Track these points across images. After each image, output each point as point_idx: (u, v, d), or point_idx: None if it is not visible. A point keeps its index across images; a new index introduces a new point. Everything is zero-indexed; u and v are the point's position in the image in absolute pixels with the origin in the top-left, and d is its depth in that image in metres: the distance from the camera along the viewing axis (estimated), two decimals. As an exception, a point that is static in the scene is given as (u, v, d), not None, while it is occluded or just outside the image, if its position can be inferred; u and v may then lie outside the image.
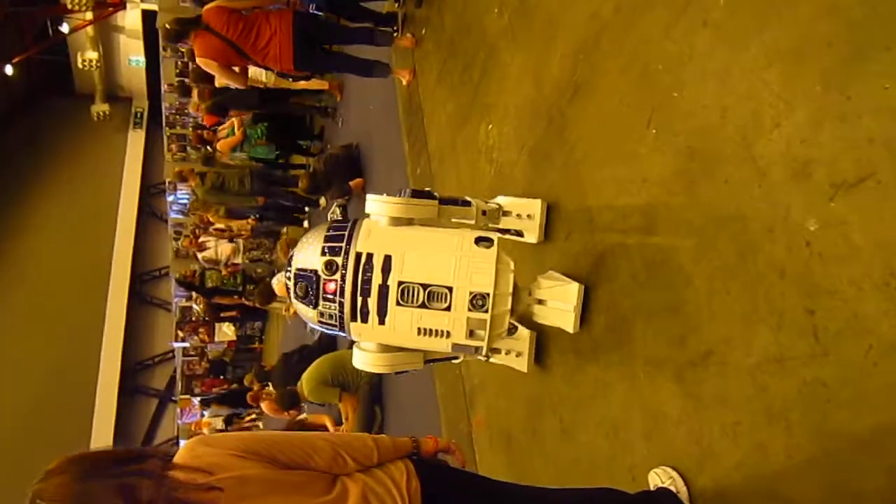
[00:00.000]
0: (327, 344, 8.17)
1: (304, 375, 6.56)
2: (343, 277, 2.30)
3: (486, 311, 2.32)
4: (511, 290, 2.41)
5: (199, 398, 15.12)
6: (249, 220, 11.74)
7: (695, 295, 2.25)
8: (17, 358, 19.18)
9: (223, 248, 12.67)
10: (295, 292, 2.39)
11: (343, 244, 2.32)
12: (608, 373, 2.69)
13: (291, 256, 2.47)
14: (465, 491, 1.83)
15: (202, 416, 14.25)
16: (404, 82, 5.90)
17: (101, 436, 20.48)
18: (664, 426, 2.36)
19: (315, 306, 2.37)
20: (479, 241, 2.39)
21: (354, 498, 1.58)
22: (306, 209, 10.76)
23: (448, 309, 2.31)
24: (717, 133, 2.19)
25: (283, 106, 9.65)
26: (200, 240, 13.04)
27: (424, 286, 2.30)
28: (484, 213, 2.87)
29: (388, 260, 2.31)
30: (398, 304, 2.30)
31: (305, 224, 10.80)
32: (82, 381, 20.68)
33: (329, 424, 7.09)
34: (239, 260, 12.83)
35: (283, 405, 6.82)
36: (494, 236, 2.41)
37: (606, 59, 2.88)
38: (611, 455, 2.64)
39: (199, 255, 12.80)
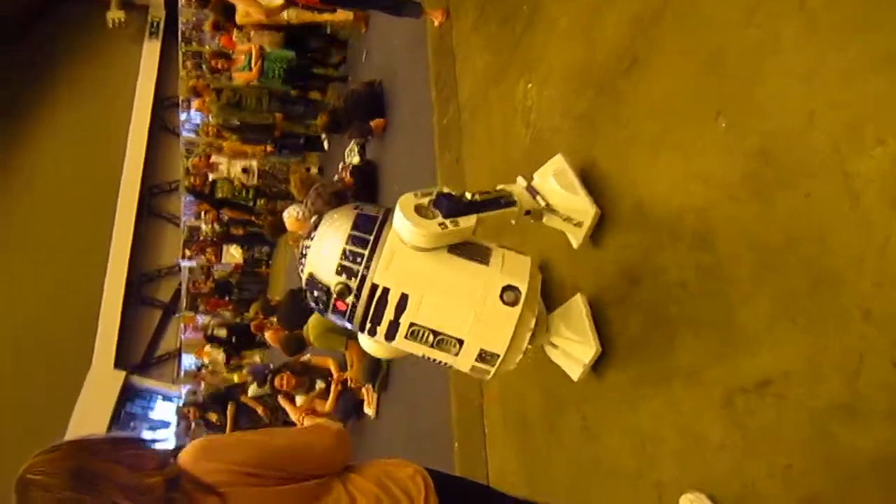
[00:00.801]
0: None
1: (311, 320, 6.42)
2: (354, 305, 2.21)
3: (493, 366, 2.29)
4: (525, 346, 2.32)
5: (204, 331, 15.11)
6: (266, 147, 11.42)
7: (753, 316, 2.03)
8: (24, 264, 19.24)
9: (235, 170, 12.44)
10: (305, 293, 2.32)
11: (361, 266, 2.19)
12: (642, 380, 2.50)
13: (307, 245, 2.31)
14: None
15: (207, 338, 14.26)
16: (436, 23, 5.53)
17: (106, 343, 20.82)
18: (702, 450, 2.17)
19: (324, 314, 2.32)
20: (505, 291, 2.23)
21: None
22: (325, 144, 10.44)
23: (456, 354, 2.27)
24: (800, 139, 1.93)
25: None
26: (212, 160, 12.79)
27: (435, 333, 2.24)
28: (528, 212, 2.62)
29: (404, 299, 2.19)
30: (406, 338, 2.26)
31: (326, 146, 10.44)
32: (88, 288, 20.82)
33: (333, 368, 7.01)
34: (252, 181, 12.61)
35: (289, 350, 6.72)
36: (524, 287, 2.24)
37: (669, 35, 2.58)
38: (636, 467, 2.47)
39: (210, 175, 12.59)
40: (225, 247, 15.94)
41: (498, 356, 2.28)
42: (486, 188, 2.53)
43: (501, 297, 2.24)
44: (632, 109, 2.75)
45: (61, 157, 20.62)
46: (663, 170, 2.50)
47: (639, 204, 2.59)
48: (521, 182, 2.64)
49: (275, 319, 8.58)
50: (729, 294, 2.12)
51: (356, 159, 7.34)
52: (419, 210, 2.28)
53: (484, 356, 2.29)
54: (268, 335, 8.54)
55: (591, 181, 2.75)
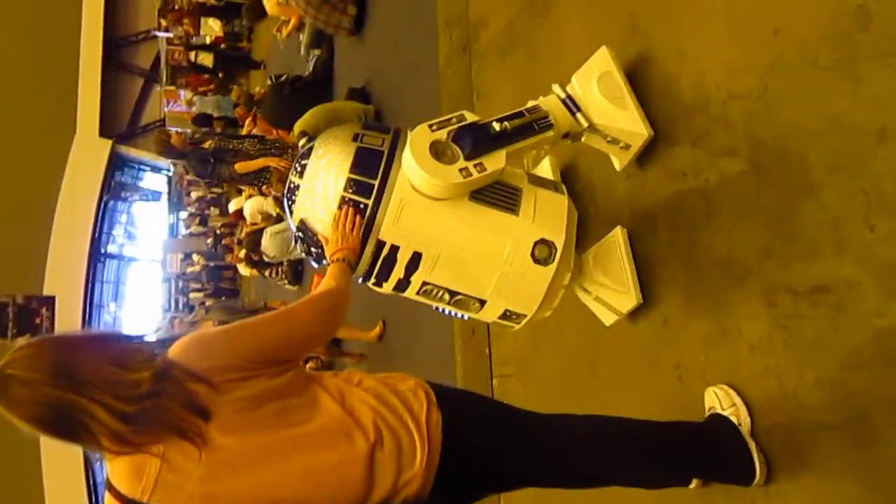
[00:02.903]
0: (323, 78, 7.43)
1: (298, 123, 5.98)
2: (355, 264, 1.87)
3: (520, 323, 2.03)
4: (558, 302, 2.02)
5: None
6: None
7: (817, 212, 1.63)
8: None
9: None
10: (296, 239, 1.98)
11: (364, 219, 1.84)
12: (668, 244, 2.16)
13: (294, 182, 1.93)
14: (488, 423, 1.60)
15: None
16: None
17: (88, 109, 20.34)
18: (734, 342, 1.88)
19: (319, 266, 1.97)
20: (538, 245, 1.87)
21: (362, 430, 1.38)
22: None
23: (477, 312, 2.01)
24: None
25: None
26: None
27: (452, 293, 1.95)
28: (566, 135, 2.14)
29: (416, 258, 1.88)
30: (417, 295, 1.99)
31: None
32: (64, 50, 19.83)
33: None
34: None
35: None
36: (560, 240, 1.88)
37: None
38: (656, 341, 2.20)
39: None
40: (203, 19, 14.77)
41: (525, 316, 2.00)
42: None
43: (533, 253, 1.90)
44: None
45: None
46: (719, 20, 1.97)
47: (694, 89, 2.06)
48: (557, 92, 2.14)
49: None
50: (791, 180, 1.71)
51: None
52: (436, 149, 1.85)
53: (510, 315, 2.00)
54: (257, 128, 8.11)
55: (643, 85, 2.23)
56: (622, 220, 2.29)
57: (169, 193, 23.57)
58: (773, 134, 1.73)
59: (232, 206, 9.98)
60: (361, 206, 1.82)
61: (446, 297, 1.97)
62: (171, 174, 22.72)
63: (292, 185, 1.93)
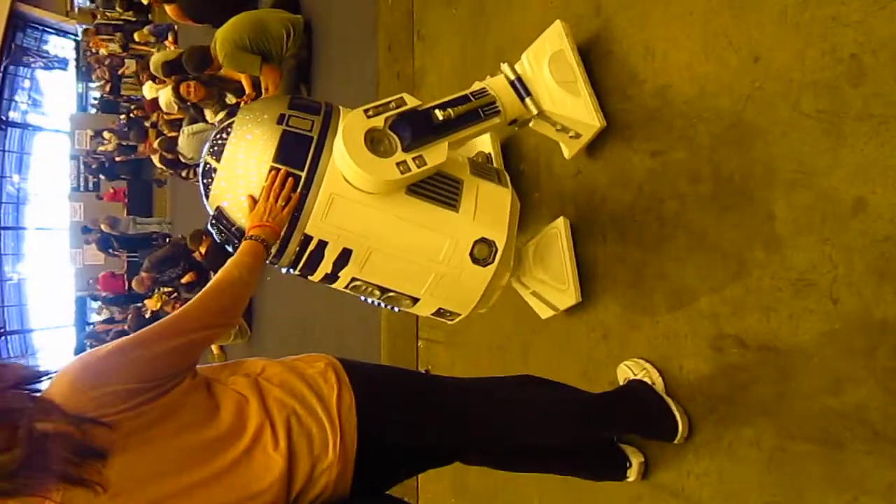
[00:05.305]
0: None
1: (218, 34, 5.48)
2: (280, 252, 1.73)
3: (454, 320, 1.95)
4: (494, 300, 1.93)
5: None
6: None
7: (778, 267, 1.53)
8: None
9: None
10: (211, 225, 1.77)
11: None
12: (616, 257, 2.07)
13: (210, 164, 1.73)
14: (403, 397, 1.54)
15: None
16: None
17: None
18: (674, 374, 1.86)
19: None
20: (477, 244, 1.75)
21: (272, 431, 1.30)
22: None
23: (409, 308, 1.91)
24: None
25: None
26: None
27: (383, 290, 1.84)
28: (513, 121, 1.96)
29: (345, 254, 1.74)
30: (345, 289, 1.87)
31: None
32: None
33: (246, 84, 6.24)
34: None
35: (192, 65, 5.81)
36: (501, 238, 1.76)
37: None
38: (590, 348, 2.15)
39: None
40: None
41: (460, 315, 1.91)
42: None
43: (472, 252, 1.78)
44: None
45: None
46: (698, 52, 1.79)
47: (660, 98, 1.90)
48: (506, 72, 1.95)
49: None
50: (753, 229, 1.62)
51: None
52: (371, 137, 1.67)
53: (444, 312, 1.91)
54: (169, 9, 7.46)
55: (601, 76, 2.05)
56: (567, 214, 2.17)
57: (77, 61, 21.84)
58: (741, 171, 1.61)
59: (147, 93, 9.27)
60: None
61: (377, 292, 1.85)
62: (78, 39, 20.99)
63: (208, 167, 1.72)
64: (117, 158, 16.00)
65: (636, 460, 1.89)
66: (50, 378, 1.18)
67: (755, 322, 1.59)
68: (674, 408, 1.79)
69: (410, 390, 1.59)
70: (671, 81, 1.83)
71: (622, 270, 2.01)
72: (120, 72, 16.50)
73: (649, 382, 1.88)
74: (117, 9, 16.85)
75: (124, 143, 15.42)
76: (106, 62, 17.03)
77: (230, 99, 6.55)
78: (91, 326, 16.66)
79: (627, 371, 1.95)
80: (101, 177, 17.55)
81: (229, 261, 1.49)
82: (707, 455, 1.73)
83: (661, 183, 1.86)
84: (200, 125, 6.75)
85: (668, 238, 1.84)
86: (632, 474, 1.89)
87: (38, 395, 1.16)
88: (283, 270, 1.83)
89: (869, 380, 1.33)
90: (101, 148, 16.92)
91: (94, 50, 18.02)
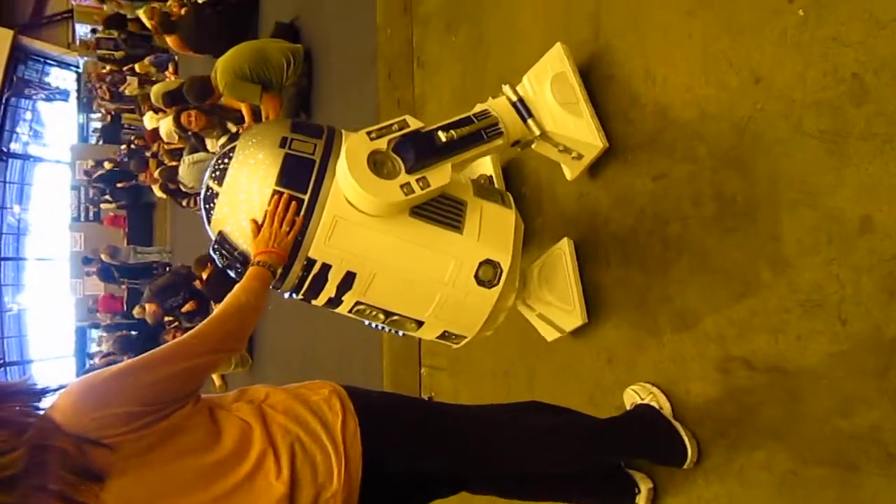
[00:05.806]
0: (247, 2, 6.92)
1: (219, 64, 5.53)
2: (283, 276, 1.71)
3: (459, 344, 1.92)
4: (500, 322, 1.90)
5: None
6: None
7: (785, 289, 1.53)
8: None
9: None
10: (214, 250, 1.76)
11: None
12: (621, 281, 2.06)
13: (212, 188, 1.72)
14: (408, 425, 1.53)
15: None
16: None
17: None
18: (681, 397, 1.85)
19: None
20: (482, 266, 1.74)
21: (275, 459, 1.28)
22: None
23: (414, 331, 1.89)
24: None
25: None
26: None
27: (387, 313, 1.81)
28: (515, 143, 1.97)
29: (349, 277, 1.72)
30: (349, 314, 1.85)
31: None
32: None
33: (246, 112, 6.28)
34: None
35: (193, 95, 5.85)
36: (506, 260, 1.75)
37: None
38: (596, 373, 2.14)
39: None
40: None
41: (465, 337, 1.89)
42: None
43: (477, 274, 1.77)
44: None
45: None
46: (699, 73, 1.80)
47: (661, 121, 1.91)
48: (508, 94, 1.96)
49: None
50: (758, 250, 1.62)
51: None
52: (374, 160, 1.66)
53: (449, 336, 1.89)
54: (170, 40, 7.53)
55: (602, 99, 2.06)
56: (570, 236, 2.17)
57: (78, 92, 22.00)
58: (743, 193, 1.61)
59: (147, 123, 9.34)
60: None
61: (381, 316, 1.83)
62: (79, 70, 21.17)
63: (210, 192, 1.72)
64: (118, 185, 16.03)
65: (645, 486, 1.86)
66: (53, 395, 1.18)
67: (763, 344, 1.58)
68: (682, 432, 1.77)
69: (413, 416, 1.58)
70: (672, 104, 1.84)
71: (626, 294, 2.00)
72: (121, 89, 16.52)
73: (657, 407, 1.86)
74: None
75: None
76: (107, 79, 17.11)
77: (231, 128, 6.59)
78: (92, 361, 16.58)
79: (634, 395, 1.93)
80: (104, 197, 17.48)
81: (237, 286, 1.49)
82: (717, 479, 1.71)
83: (664, 205, 1.86)
84: (201, 154, 6.78)
85: (672, 260, 1.84)
86: (641, 501, 1.86)
87: (41, 412, 1.15)
88: (286, 295, 1.82)
89: (882, 400, 1.32)
90: (98, 174, 16.93)
91: (94, 81, 18.17)
